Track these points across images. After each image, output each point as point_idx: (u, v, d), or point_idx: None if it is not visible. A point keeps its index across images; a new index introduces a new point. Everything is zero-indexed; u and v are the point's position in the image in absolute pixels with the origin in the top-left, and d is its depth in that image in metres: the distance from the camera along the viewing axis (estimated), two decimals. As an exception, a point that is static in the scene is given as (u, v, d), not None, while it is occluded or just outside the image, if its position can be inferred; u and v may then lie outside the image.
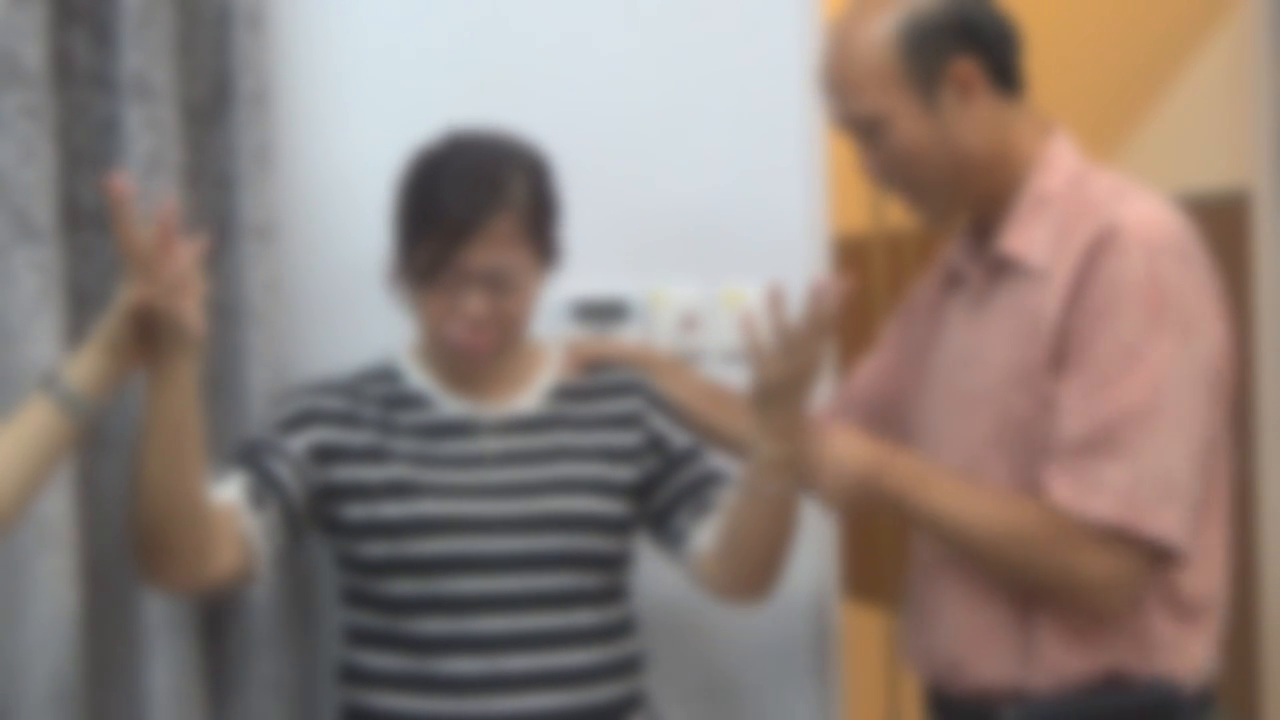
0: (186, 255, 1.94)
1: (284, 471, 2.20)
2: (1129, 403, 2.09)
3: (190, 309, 1.95)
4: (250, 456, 2.21)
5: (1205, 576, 2.19)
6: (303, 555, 2.39)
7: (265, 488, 2.18)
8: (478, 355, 2.24)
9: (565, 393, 2.34)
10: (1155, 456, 2.09)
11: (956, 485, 2.18)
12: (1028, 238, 2.20)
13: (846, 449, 2.18)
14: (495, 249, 2.17)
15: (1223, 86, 3.85)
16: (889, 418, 2.43)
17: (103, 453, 2.27)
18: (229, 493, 2.16)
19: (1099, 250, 2.11)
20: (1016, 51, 2.24)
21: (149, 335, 1.96)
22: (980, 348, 2.24)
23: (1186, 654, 2.17)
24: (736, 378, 2.54)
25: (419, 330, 2.29)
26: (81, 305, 2.26)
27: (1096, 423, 2.09)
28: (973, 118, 2.21)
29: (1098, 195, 2.19)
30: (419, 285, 2.21)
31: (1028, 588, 2.16)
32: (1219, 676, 2.24)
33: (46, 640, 2.17)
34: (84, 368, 1.95)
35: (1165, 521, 2.08)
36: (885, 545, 3.70)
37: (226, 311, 2.36)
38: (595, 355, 2.41)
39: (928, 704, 2.37)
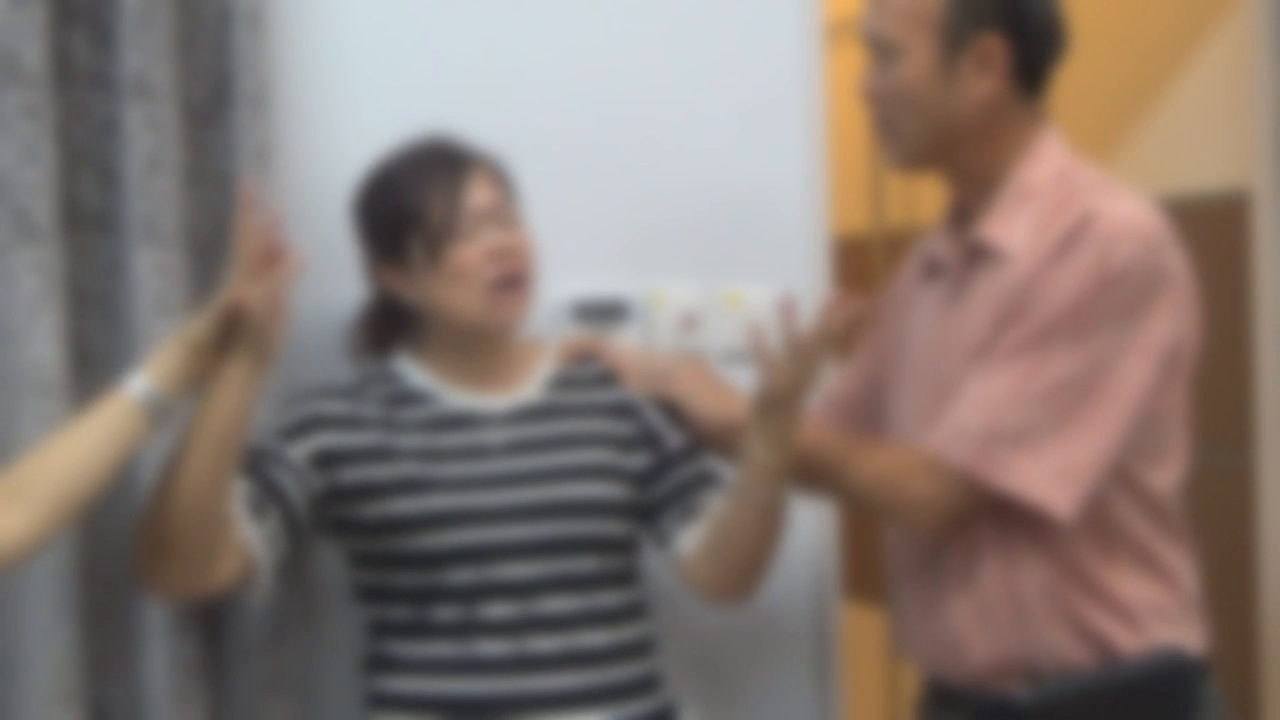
0: (290, 266, 2.06)
1: (286, 480, 2.22)
2: (1045, 379, 2.15)
3: (278, 326, 2.08)
4: (252, 465, 2.22)
5: (1172, 546, 2.25)
6: (307, 556, 2.39)
7: (266, 497, 2.20)
8: (516, 294, 2.28)
9: (563, 382, 2.37)
10: (1077, 433, 2.16)
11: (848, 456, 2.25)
12: (1007, 227, 2.24)
13: (710, 404, 2.29)
14: (490, 188, 2.28)
15: (1223, 86, 3.85)
16: (872, 415, 2.45)
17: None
18: (234, 502, 2.18)
19: (1071, 238, 2.17)
20: (1051, 58, 2.28)
21: (230, 341, 2.02)
22: (955, 333, 2.27)
23: (1173, 625, 2.22)
24: (737, 378, 2.54)
25: (439, 311, 2.29)
26: (82, 305, 2.26)
27: (995, 391, 2.17)
28: (976, 92, 2.24)
29: (1080, 189, 2.23)
30: (437, 259, 2.24)
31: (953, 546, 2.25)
32: (1213, 654, 2.29)
33: (46, 640, 2.17)
34: (164, 364, 2.00)
35: (1015, 474, 2.16)
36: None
37: (227, 311, 2.35)
38: (592, 346, 2.43)
39: (928, 698, 2.37)
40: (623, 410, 2.36)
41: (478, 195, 2.27)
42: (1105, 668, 2.20)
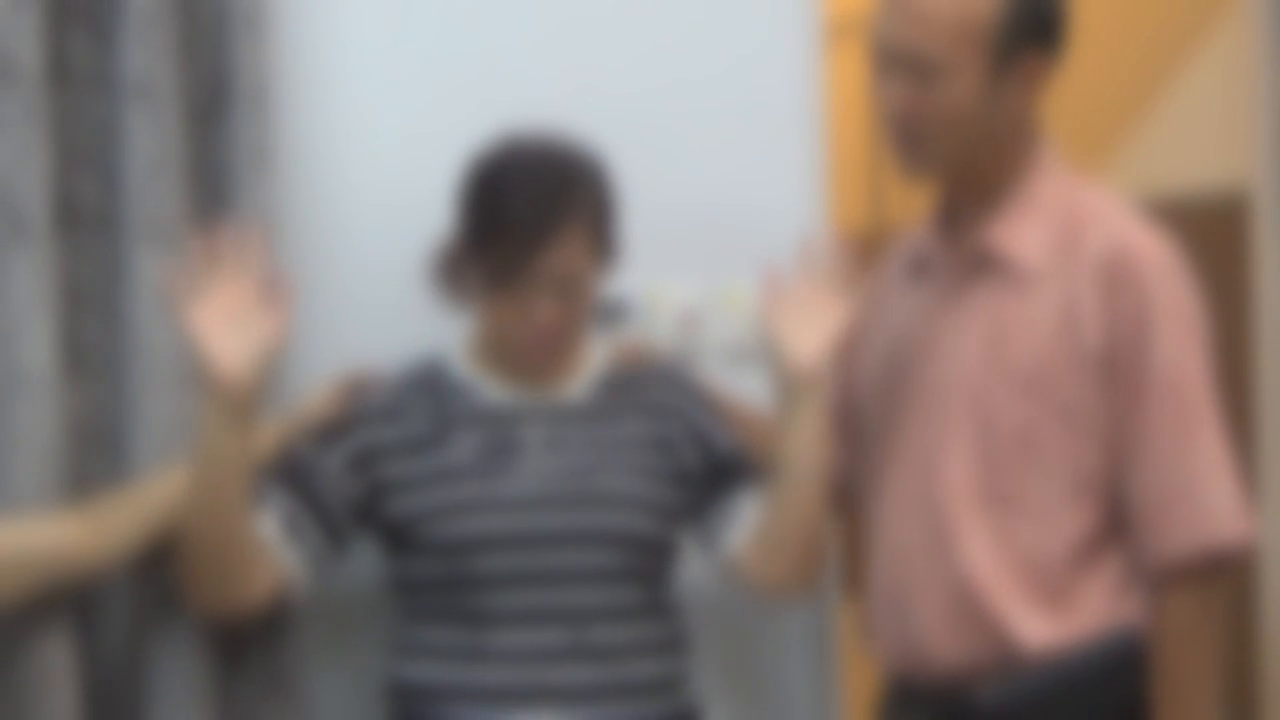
0: (289, 307, 2.17)
1: (323, 493, 2.26)
2: (1194, 435, 2.18)
3: (262, 387, 2.19)
4: (288, 481, 2.26)
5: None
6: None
7: (302, 513, 2.24)
8: (543, 359, 2.29)
9: (611, 383, 2.37)
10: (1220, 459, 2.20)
11: (1180, 672, 2.20)
12: (1018, 236, 2.22)
13: None
14: (566, 256, 2.22)
15: (1223, 86, 3.85)
16: (852, 420, 2.45)
17: (97, 452, 2.28)
18: (266, 524, 2.22)
19: (1118, 274, 2.16)
20: (1058, 65, 2.26)
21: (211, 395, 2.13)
22: (953, 339, 2.26)
23: (1137, 606, 2.22)
24: (737, 378, 2.54)
25: (476, 324, 2.33)
26: (81, 305, 2.26)
27: (1175, 469, 2.17)
28: (1016, 109, 2.22)
29: (1094, 212, 2.23)
30: (488, 290, 2.24)
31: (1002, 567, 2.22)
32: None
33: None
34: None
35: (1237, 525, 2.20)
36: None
37: (226, 311, 2.35)
38: (648, 352, 2.46)
39: (891, 694, 2.38)
40: (668, 411, 2.37)
41: (556, 260, 2.21)
42: (1068, 660, 2.20)
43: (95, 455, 2.28)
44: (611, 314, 2.59)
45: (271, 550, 2.21)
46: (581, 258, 2.23)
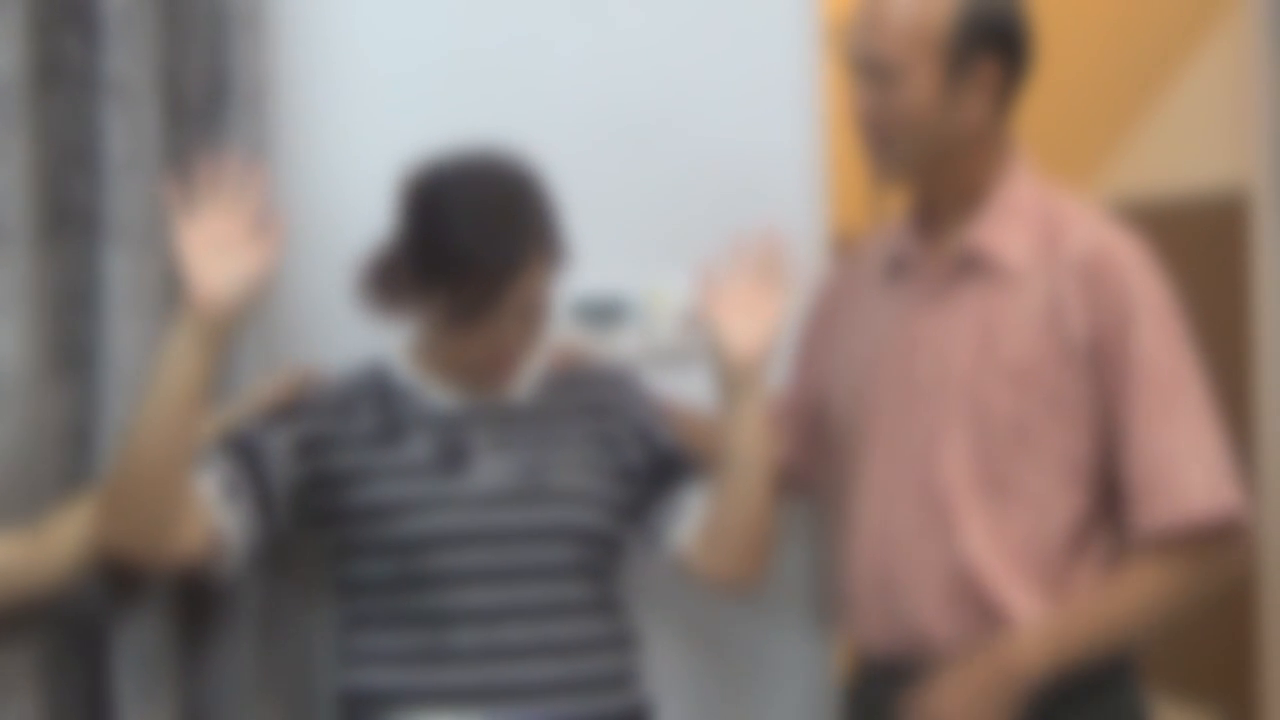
0: (276, 244, 2.14)
1: (265, 467, 2.24)
2: (1180, 417, 2.24)
3: (241, 313, 2.15)
4: (233, 450, 2.24)
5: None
6: (302, 551, 2.39)
7: (242, 480, 2.22)
8: (503, 374, 2.32)
9: (552, 383, 2.39)
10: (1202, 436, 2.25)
11: (1104, 605, 2.26)
12: (1000, 238, 2.30)
13: (1015, 673, 2.22)
14: (530, 287, 2.23)
15: (1223, 86, 3.85)
16: (817, 421, 2.48)
17: (72, 453, 2.29)
18: (205, 483, 2.19)
19: (1098, 272, 2.25)
20: (1026, 76, 2.33)
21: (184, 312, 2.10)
22: (943, 338, 2.31)
23: None
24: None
25: (418, 329, 2.33)
26: (65, 305, 2.26)
27: (1158, 449, 2.23)
28: (975, 114, 2.28)
29: (1070, 216, 2.32)
30: (448, 322, 2.24)
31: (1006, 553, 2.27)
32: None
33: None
34: None
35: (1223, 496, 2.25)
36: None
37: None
38: (581, 354, 2.48)
39: (873, 673, 2.40)
40: (610, 409, 2.39)
41: (521, 294, 2.22)
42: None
43: (70, 456, 2.27)
44: (610, 313, 2.59)
45: (207, 506, 2.18)
46: (543, 283, 2.25)
